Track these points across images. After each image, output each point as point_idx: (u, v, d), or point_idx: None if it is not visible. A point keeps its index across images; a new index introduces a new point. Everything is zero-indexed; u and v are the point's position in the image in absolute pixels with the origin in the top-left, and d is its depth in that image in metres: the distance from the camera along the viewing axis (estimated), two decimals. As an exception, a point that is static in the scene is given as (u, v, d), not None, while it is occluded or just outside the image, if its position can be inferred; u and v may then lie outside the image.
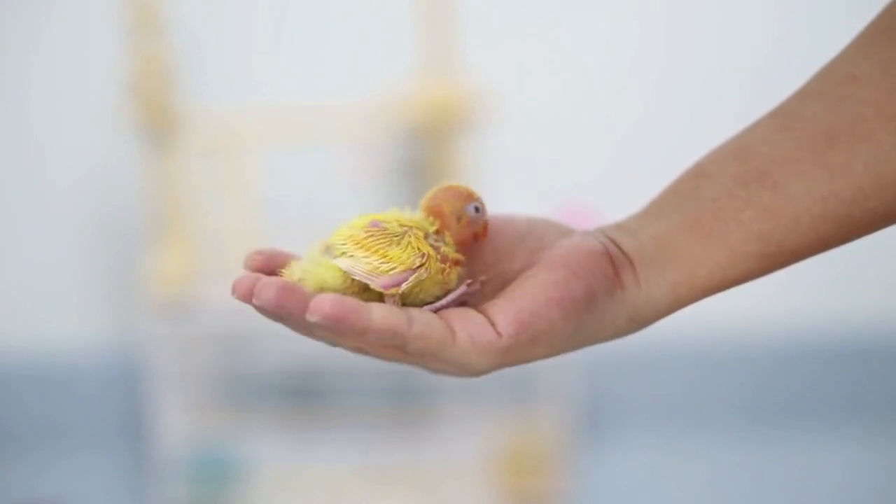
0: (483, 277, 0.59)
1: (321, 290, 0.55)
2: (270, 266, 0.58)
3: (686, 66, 2.08)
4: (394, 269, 0.55)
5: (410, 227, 0.57)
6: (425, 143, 1.89)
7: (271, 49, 2.03)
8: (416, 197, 0.62)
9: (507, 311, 0.55)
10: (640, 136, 2.08)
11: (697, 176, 0.58)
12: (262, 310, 0.53)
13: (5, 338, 2.09)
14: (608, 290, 0.57)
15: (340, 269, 0.55)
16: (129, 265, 2.05)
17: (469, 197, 0.59)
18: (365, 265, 0.55)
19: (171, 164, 1.83)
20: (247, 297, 0.54)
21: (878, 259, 2.09)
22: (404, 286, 0.55)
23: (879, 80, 0.55)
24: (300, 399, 1.98)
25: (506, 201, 1.72)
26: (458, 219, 0.59)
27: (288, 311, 0.53)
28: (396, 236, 0.56)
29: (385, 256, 0.56)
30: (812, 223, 0.56)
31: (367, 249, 0.56)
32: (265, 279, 0.53)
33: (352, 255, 0.56)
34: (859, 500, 1.92)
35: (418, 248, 0.56)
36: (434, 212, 0.59)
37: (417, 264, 0.56)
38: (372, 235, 0.56)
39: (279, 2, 2.03)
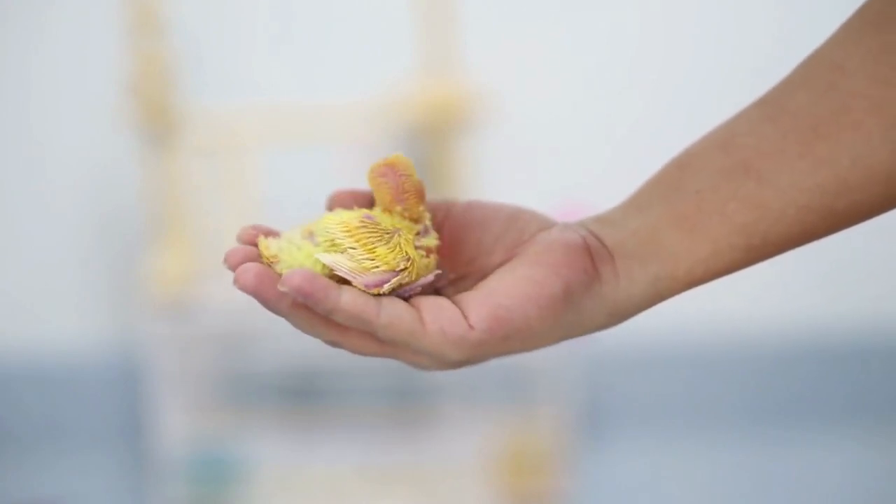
0: (439, 272, 0.59)
1: None
2: None
3: (686, 66, 2.08)
4: (377, 267, 0.55)
5: (400, 228, 0.57)
6: (425, 143, 1.89)
7: (271, 49, 2.03)
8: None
9: (482, 305, 0.55)
10: (640, 136, 2.07)
11: (681, 167, 0.58)
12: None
13: (5, 338, 2.09)
14: (586, 285, 0.57)
15: (320, 260, 0.55)
16: (129, 265, 2.05)
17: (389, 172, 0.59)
18: (349, 262, 0.55)
19: (171, 164, 1.83)
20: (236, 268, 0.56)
21: (877, 259, 2.09)
22: (386, 287, 0.55)
23: (867, 71, 0.54)
24: (300, 399, 1.97)
25: (505, 201, 1.72)
26: (397, 196, 0.58)
27: (262, 295, 0.54)
28: (387, 233, 0.57)
29: (371, 253, 0.56)
30: (796, 215, 0.55)
31: (357, 241, 0.56)
32: (245, 265, 0.54)
33: (338, 245, 0.56)
34: (859, 500, 1.92)
35: (406, 252, 0.56)
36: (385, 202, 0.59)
37: (401, 267, 0.56)
38: (364, 227, 0.56)
39: (279, 2, 2.03)
